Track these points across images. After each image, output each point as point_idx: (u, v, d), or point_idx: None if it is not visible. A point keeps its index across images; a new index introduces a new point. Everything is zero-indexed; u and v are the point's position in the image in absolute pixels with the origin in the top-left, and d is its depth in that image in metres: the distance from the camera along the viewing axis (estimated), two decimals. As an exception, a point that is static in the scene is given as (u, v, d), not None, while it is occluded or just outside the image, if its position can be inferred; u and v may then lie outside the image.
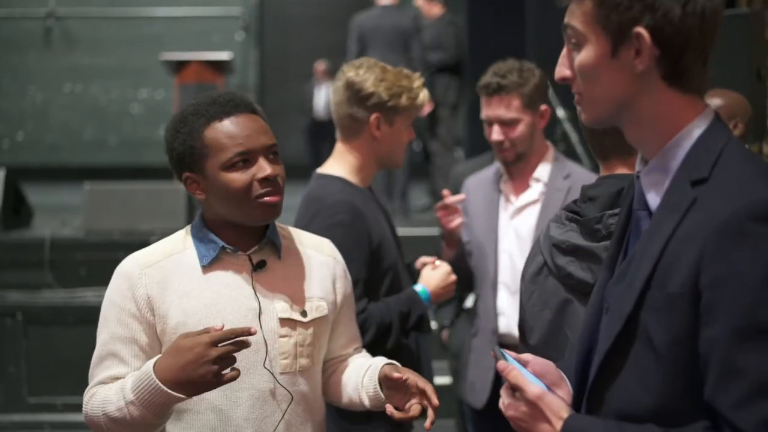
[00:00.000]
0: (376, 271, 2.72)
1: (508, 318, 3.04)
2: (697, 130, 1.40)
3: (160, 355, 1.90)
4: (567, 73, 1.46)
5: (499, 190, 3.14)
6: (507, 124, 2.99)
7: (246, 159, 1.99)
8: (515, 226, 3.08)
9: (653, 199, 1.43)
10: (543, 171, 3.07)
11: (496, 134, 3.01)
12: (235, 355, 1.99)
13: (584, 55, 1.42)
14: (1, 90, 12.08)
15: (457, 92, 7.84)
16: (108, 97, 12.24)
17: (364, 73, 2.77)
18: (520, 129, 2.99)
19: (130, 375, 1.95)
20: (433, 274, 2.82)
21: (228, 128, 2.00)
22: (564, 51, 1.47)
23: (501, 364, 1.48)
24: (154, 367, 1.86)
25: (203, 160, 2.01)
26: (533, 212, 3.06)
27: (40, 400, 5.60)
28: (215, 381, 1.83)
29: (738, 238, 1.28)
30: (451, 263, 2.99)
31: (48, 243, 5.96)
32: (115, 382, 1.99)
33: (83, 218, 6.27)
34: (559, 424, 1.41)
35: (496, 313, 3.08)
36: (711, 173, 1.35)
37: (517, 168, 3.07)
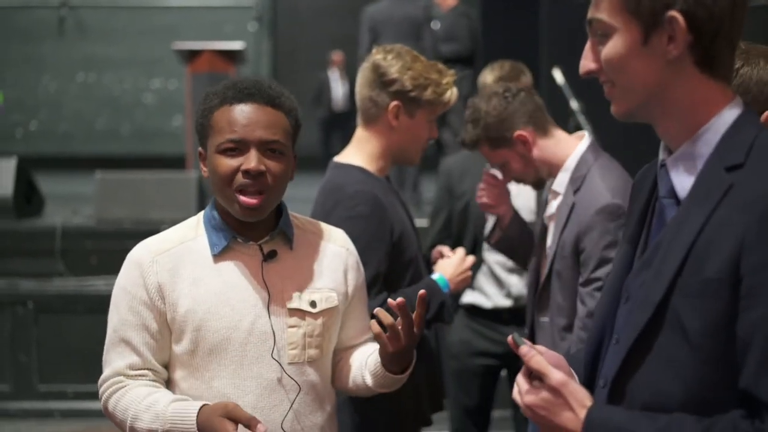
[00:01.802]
0: (398, 264, 2.64)
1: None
2: (729, 117, 1.38)
3: (208, 404, 1.94)
4: (592, 66, 1.44)
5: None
6: (502, 167, 2.80)
7: (237, 147, 1.99)
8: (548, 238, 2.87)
9: (682, 187, 1.41)
10: (560, 182, 2.77)
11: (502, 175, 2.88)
12: (244, 344, 2.01)
13: (613, 46, 1.40)
14: (14, 79, 12.10)
15: (470, 84, 7.81)
16: (121, 86, 12.26)
17: (392, 58, 2.67)
18: (514, 167, 2.77)
19: (172, 401, 1.97)
20: (448, 262, 2.74)
21: (232, 114, 2.00)
22: (588, 44, 1.44)
23: (524, 349, 1.44)
24: (199, 411, 1.92)
25: (207, 139, 2.04)
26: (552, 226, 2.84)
27: (51, 387, 5.63)
28: None
29: None
30: (503, 241, 2.92)
31: (59, 232, 5.97)
32: (139, 384, 2.02)
33: (94, 207, 6.28)
34: (582, 413, 1.37)
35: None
36: (746, 159, 1.34)
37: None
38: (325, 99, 11.31)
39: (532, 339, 2.80)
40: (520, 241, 3.02)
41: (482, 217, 3.49)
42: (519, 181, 2.83)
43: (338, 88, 11.40)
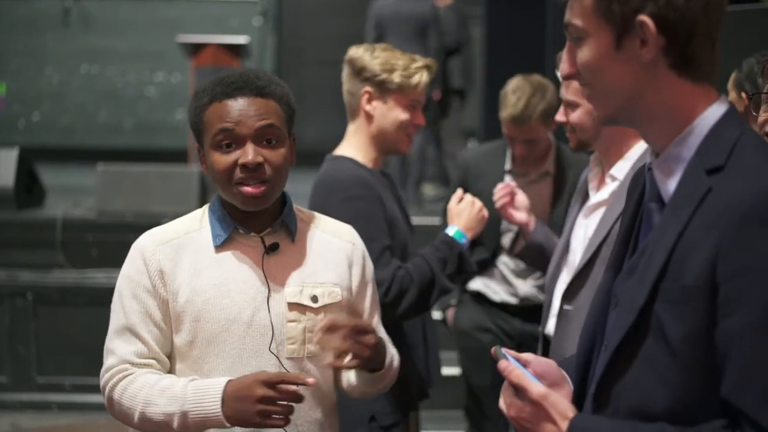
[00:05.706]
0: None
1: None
2: (711, 119, 1.36)
3: (233, 379, 1.92)
4: (570, 69, 1.44)
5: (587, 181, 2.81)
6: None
7: (232, 141, 1.99)
8: (586, 225, 2.74)
9: (666, 190, 1.39)
10: (620, 169, 2.62)
11: None
12: (243, 337, 2.00)
13: (587, 50, 1.39)
14: (18, 70, 12.09)
15: (462, 74, 7.85)
16: (124, 79, 12.23)
17: (363, 51, 2.83)
18: (583, 115, 2.62)
19: (190, 381, 1.95)
20: (458, 210, 2.81)
21: (223, 109, 2.00)
22: (566, 48, 1.44)
23: (502, 363, 1.44)
24: (225, 386, 1.90)
25: (202, 137, 2.05)
26: (600, 214, 2.68)
27: (49, 380, 5.61)
28: (257, 420, 1.86)
29: (758, 227, 1.23)
30: (529, 250, 2.92)
31: (60, 223, 5.94)
32: (146, 371, 2.00)
33: (95, 199, 6.26)
34: (564, 425, 1.37)
35: (548, 314, 2.87)
36: (727, 161, 1.31)
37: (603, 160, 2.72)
38: None
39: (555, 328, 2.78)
40: (549, 246, 2.97)
41: (497, 219, 3.44)
42: (572, 131, 2.63)
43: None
